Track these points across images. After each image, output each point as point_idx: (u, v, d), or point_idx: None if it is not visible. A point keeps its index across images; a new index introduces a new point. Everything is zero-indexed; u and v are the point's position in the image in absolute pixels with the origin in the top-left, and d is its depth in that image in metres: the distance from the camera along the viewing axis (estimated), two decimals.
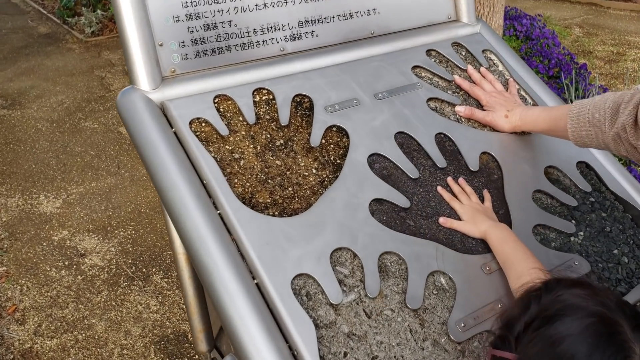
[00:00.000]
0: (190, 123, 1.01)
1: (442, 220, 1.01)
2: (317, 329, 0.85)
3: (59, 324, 2.35)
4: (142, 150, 0.97)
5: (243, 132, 1.04)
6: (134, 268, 2.66)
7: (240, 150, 1.01)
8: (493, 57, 1.36)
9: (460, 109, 1.20)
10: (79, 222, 3.00)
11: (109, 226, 2.96)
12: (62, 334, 2.30)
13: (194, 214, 0.90)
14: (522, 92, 1.31)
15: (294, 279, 0.88)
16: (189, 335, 2.29)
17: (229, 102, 1.07)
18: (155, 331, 2.30)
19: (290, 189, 0.99)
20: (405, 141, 1.12)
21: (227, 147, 1.01)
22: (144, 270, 2.64)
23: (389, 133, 1.11)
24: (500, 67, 1.34)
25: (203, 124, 1.02)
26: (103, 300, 2.46)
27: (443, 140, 1.15)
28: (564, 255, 1.04)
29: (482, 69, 1.29)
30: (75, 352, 2.22)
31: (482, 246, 1.01)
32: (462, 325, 0.90)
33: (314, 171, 1.03)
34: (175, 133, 1.01)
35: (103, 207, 3.11)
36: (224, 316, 0.84)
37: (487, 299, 0.94)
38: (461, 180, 1.09)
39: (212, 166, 0.97)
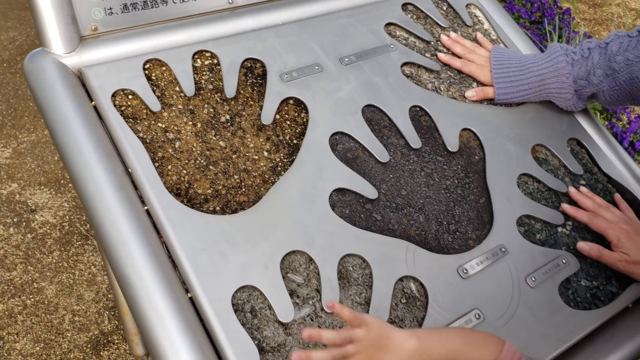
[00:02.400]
0: (114, 95, 0.83)
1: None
2: (262, 354, 0.71)
3: (5, 287, 2.19)
4: (53, 129, 0.80)
5: (180, 106, 0.86)
6: (88, 226, 2.49)
7: (175, 128, 0.84)
8: (478, 12, 1.18)
9: (585, 247, 0.92)
10: (30, 174, 2.80)
11: (62, 179, 2.76)
12: (9, 298, 2.15)
13: (115, 210, 0.74)
14: None
15: (236, 292, 0.73)
16: None
17: (163, 69, 0.89)
18: (110, 296, 2.17)
19: (236, 176, 0.83)
20: (374, 116, 0.96)
21: (159, 125, 0.84)
22: None
23: (355, 106, 0.95)
24: (486, 25, 1.17)
25: (130, 97, 0.84)
26: (54, 261, 2.31)
27: (418, 115, 0.99)
28: (550, 252, 0.91)
29: (583, 189, 1.00)
30: (23, 319, 2.08)
31: (459, 243, 0.88)
32: None
33: (266, 154, 0.87)
34: (95, 108, 0.83)
35: (56, 158, 2.90)
36: (148, 338, 0.69)
37: (463, 308, 0.81)
38: None
39: (138, 150, 0.80)
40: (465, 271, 0.84)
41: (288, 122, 0.91)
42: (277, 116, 0.91)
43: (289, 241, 0.79)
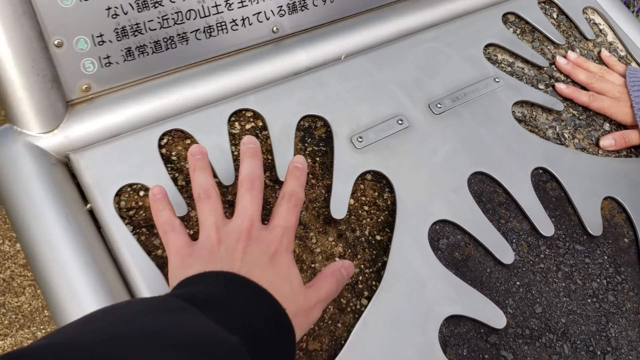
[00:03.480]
0: (119, 194, 0.57)
1: None
2: None
3: (14, 316, 1.98)
4: (30, 252, 0.53)
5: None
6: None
7: None
8: (598, 19, 0.88)
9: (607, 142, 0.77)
10: None
11: None
12: (18, 329, 1.94)
13: None
14: None
15: None
16: None
17: (188, 143, 0.61)
18: None
19: None
20: (485, 189, 0.68)
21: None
22: None
23: (459, 176, 0.67)
24: (610, 37, 0.87)
25: (141, 194, 0.57)
26: None
27: (542, 181, 0.71)
28: None
29: None
30: None
31: None
32: None
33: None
34: (91, 213, 0.56)
35: None
36: None
37: None
38: None
39: (157, 281, 0.53)
40: None
41: (366, 209, 0.64)
42: (351, 201, 0.63)
43: None
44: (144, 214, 0.56)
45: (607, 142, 0.76)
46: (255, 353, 0.37)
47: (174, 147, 0.61)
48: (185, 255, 0.47)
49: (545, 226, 0.67)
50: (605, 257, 0.68)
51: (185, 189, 0.59)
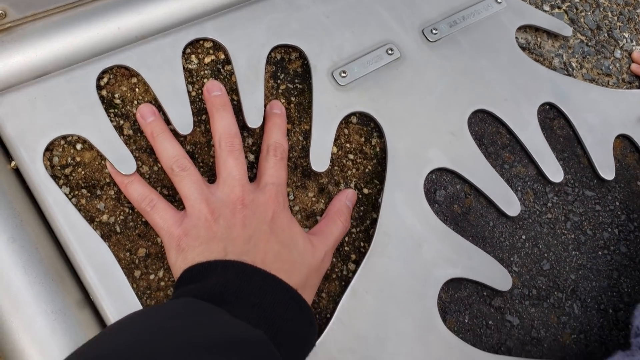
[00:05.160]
0: (50, 149, 0.46)
1: None
2: None
3: None
4: None
5: None
6: None
7: (165, 197, 0.48)
8: None
9: None
10: None
11: None
12: None
13: None
14: None
15: None
16: None
17: (133, 82, 0.50)
18: None
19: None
20: (487, 130, 0.59)
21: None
22: None
23: (458, 116, 0.58)
24: None
25: (78, 148, 0.47)
26: None
27: (550, 118, 0.62)
28: None
29: None
30: None
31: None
32: None
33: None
34: (18, 173, 0.46)
35: None
36: None
37: None
38: None
39: (103, 254, 0.44)
40: None
41: (352, 157, 0.54)
42: (334, 149, 0.54)
43: None
44: (83, 172, 0.46)
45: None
46: (277, 338, 0.37)
47: (117, 88, 0.50)
48: (179, 236, 0.43)
49: (554, 171, 0.59)
50: (617, 203, 0.61)
51: (134, 139, 0.48)
